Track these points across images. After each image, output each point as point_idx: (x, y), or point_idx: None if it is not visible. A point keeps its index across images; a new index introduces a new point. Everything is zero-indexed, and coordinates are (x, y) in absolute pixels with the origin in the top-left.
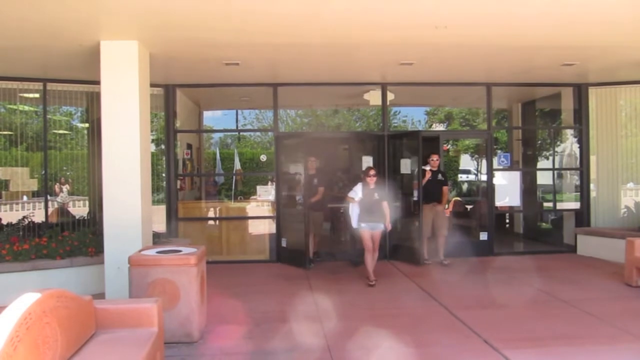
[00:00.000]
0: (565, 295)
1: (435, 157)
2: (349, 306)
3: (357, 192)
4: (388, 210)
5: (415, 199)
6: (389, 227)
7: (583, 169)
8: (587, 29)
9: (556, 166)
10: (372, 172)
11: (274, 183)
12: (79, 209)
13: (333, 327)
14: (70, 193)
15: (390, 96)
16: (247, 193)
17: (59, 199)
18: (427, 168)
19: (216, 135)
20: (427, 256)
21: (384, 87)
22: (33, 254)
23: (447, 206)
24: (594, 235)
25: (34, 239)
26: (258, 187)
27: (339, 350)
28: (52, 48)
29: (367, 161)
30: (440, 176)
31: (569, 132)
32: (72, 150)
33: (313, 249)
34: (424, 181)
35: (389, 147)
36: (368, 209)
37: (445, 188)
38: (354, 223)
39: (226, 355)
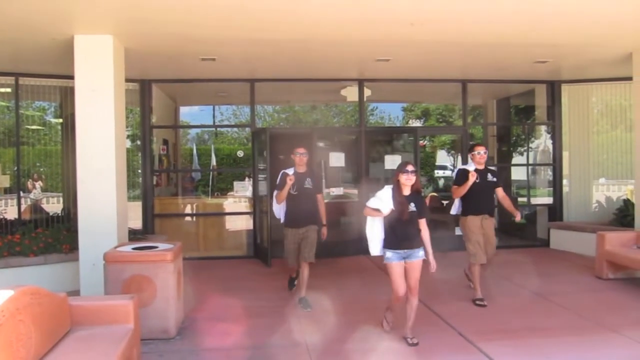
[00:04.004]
0: (538, 289)
1: (482, 150)
2: (327, 301)
3: (383, 201)
4: (427, 232)
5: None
6: (434, 265)
7: (556, 165)
8: (559, 27)
9: (530, 162)
10: (411, 167)
11: (251, 179)
12: (53, 205)
13: (310, 321)
14: (44, 189)
15: (367, 92)
16: (224, 189)
17: (32, 195)
18: (471, 168)
19: (193, 131)
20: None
21: (360, 83)
22: (5, 251)
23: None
24: (566, 230)
25: (6, 236)
26: (235, 183)
27: (316, 345)
28: (24, 42)
29: (338, 158)
30: (490, 176)
31: (543, 129)
32: (45, 146)
33: (303, 284)
34: (467, 186)
35: (366, 143)
36: (400, 229)
37: (500, 190)
38: (375, 249)
39: (204, 351)
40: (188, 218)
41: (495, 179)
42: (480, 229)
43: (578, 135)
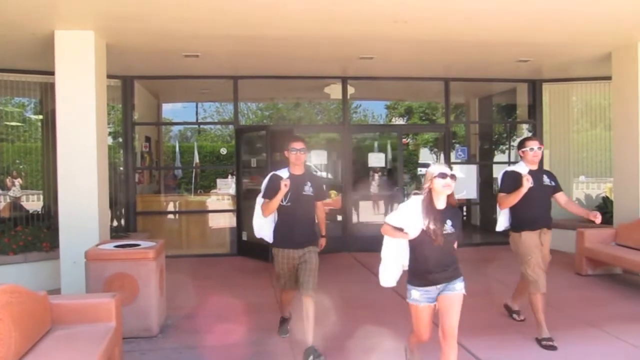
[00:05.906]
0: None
1: (536, 145)
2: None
3: (409, 218)
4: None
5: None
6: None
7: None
8: (542, 27)
9: (512, 160)
10: (449, 170)
11: (234, 176)
12: (33, 203)
13: (295, 319)
14: (24, 187)
15: (350, 90)
16: (207, 187)
17: (11, 193)
18: (522, 170)
19: (175, 128)
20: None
21: (344, 80)
22: None
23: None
24: None
25: None
26: (218, 181)
27: (299, 342)
28: (2, 37)
29: (320, 156)
30: (547, 179)
31: (524, 127)
32: (25, 143)
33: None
34: (521, 194)
35: (349, 141)
36: (432, 258)
37: (562, 195)
38: (388, 279)
39: (187, 349)
40: (171, 216)
41: (553, 184)
42: (540, 247)
43: (558, 134)
